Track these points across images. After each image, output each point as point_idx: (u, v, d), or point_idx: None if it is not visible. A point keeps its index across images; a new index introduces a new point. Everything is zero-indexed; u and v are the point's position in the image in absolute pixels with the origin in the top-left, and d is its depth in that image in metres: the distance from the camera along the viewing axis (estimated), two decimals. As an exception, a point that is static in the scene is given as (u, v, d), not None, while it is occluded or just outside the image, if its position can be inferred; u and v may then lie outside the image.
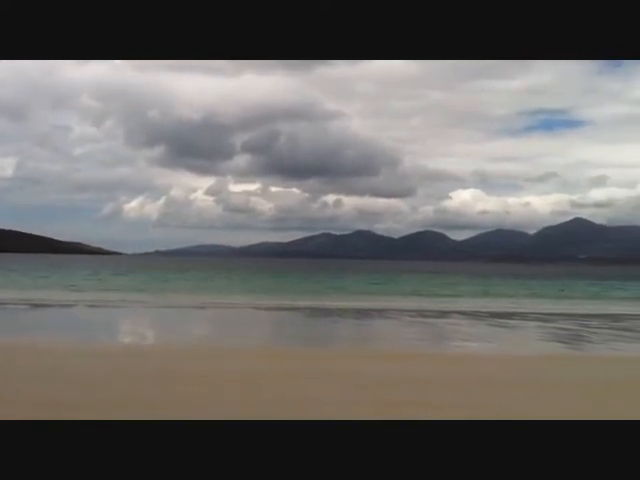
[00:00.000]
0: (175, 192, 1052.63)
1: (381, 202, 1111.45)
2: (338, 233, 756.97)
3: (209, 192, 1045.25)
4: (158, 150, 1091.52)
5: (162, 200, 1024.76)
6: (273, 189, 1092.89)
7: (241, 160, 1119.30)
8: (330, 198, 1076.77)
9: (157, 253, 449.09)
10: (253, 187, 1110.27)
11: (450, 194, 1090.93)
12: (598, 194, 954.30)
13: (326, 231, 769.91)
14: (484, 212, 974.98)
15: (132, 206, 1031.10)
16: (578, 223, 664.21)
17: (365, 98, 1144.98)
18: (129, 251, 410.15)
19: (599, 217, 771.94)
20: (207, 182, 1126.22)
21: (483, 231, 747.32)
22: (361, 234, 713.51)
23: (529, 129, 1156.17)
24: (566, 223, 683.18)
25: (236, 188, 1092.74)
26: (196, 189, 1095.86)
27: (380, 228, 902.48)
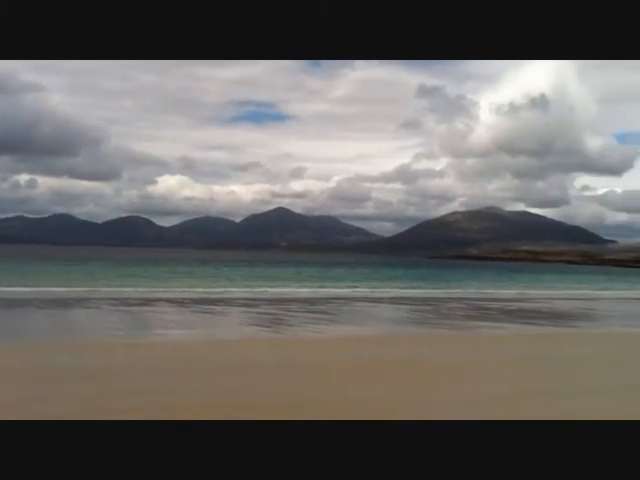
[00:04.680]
0: None
1: (82, 184, 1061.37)
2: (33, 216, 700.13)
3: None
4: None
5: None
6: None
7: None
8: (23, 178, 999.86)
9: None
10: None
11: (156, 179, 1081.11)
12: (297, 185, 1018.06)
13: (19, 214, 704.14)
14: (190, 198, 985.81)
15: None
16: (280, 212, 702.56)
17: (69, 72, 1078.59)
18: None
19: (298, 207, 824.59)
20: None
21: (190, 217, 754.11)
22: (59, 218, 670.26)
23: (237, 119, 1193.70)
24: (269, 212, 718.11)
25: None
26: None
27: (81, 212, 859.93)
